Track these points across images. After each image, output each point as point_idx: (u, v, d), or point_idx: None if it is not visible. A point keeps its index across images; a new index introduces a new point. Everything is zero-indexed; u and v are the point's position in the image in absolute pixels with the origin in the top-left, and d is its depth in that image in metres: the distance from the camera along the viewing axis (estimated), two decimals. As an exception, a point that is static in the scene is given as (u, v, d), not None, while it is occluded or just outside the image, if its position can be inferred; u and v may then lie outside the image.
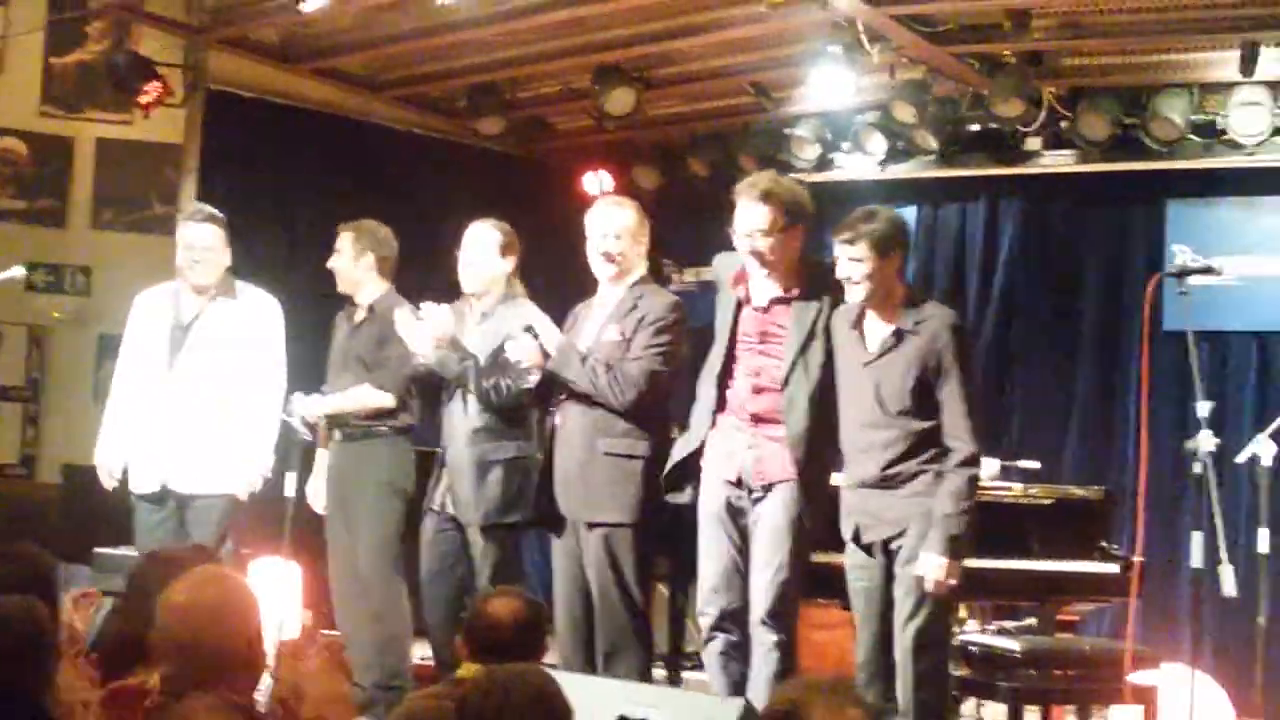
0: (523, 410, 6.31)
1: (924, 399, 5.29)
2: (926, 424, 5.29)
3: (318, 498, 6.96)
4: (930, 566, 5.18)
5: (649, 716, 4.51)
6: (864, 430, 5.40)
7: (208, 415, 6.67)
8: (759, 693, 5.36)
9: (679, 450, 5.75)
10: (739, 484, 5.61)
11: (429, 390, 6.54)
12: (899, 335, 5.33)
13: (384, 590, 6.73)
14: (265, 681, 3.70)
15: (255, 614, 3.48)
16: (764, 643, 5.51)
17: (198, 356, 6.70)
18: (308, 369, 7.11)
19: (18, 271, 7.26)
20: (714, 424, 5.69)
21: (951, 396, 5.26)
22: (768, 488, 5.55)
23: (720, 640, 5.62)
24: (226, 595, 3.44)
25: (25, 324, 9.43)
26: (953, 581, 5.20)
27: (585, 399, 5.86)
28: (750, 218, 5.54)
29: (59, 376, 9.46)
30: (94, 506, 7.83)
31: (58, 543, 8.18)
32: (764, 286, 5.65)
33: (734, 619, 5.60)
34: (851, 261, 5.33)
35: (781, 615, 5.50)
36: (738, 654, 5.62)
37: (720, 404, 5.70)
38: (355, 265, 6.98)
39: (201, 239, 6.77)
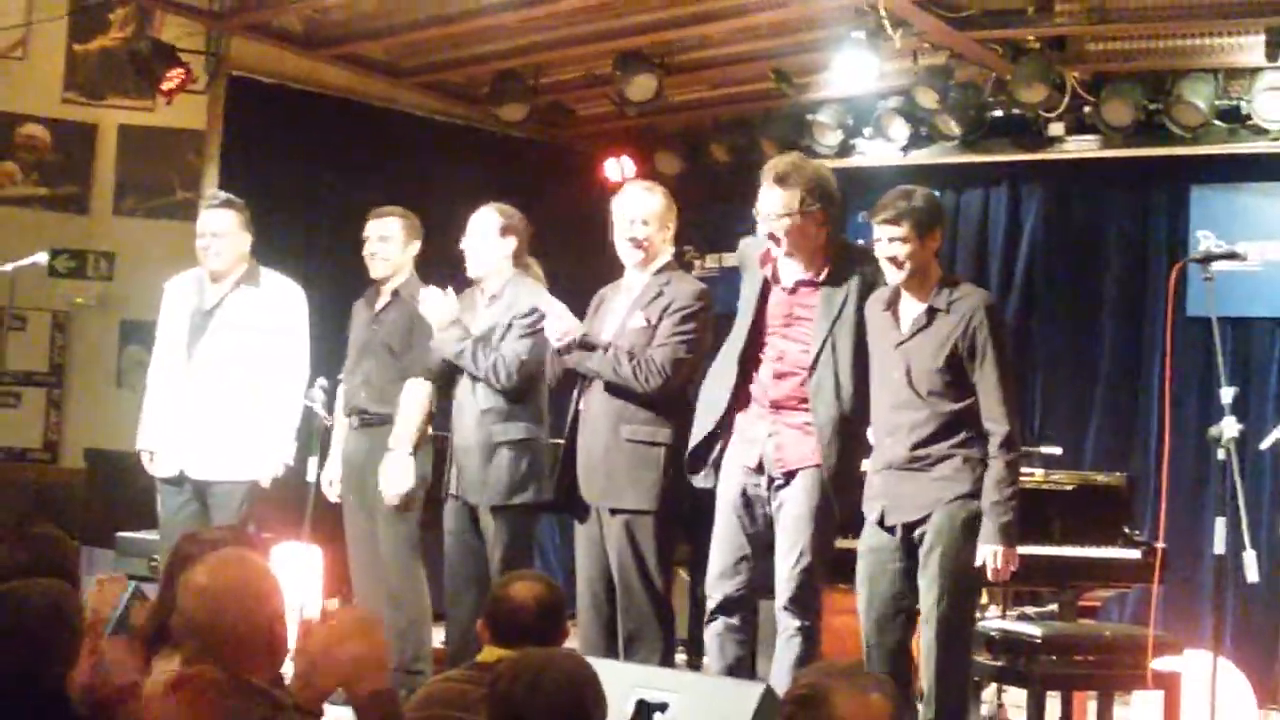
0: (530, 391, 6.30)
1: (955, 380, 5.26)
2: (956, 405, 5.26)
3: (333, 485, 6.98)
4: (989, 556, 5.18)
5: (668, 701, 4.51)
6: (894, 412, 5.37)
7: (228, 402, 6.68)
8: (781, 678, 5.35)
9: (698, 431, 5.73)
10: (759, 470, 5.60)
11: (443, 375, 6.54)
12: (931, 313, 5.30)
13: (404, 575, 6.74)
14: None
15: (276, 596, 3.47)
16: (787, 628, 5.51)
17: (219, 343, 6.71)
18: (327, 355, 7.12)
19: (41, 257, 7.29)
20: (735, 406, 5.67)
21: (986, 379, 5.23)
22: (790, 475, 5.53)
23: (720, 622, 5.63)
24: (247, 577, 3.43)
25: (48, 309, 9.47)
26: (1012, 568, 5.22)
27: (609, 384, 5.86)
28: (767, 201, 5.52)
29: (82, 362, 9.50)
30: (117, 491, 7.88)
31: (81, 527, 8.30)
32: (790, 268, 5.62)
33: (737, 604, 5.61)
34: (893, 242, 5.29)
35: (804, 601, 5.50)
36: (737, 636, 5.63)
37: (744, 388, 5.68)
38: (404, 251, 6.95)
39: (215, 224, 6.76)
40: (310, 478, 6.54)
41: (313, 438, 6.62)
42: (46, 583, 3.61)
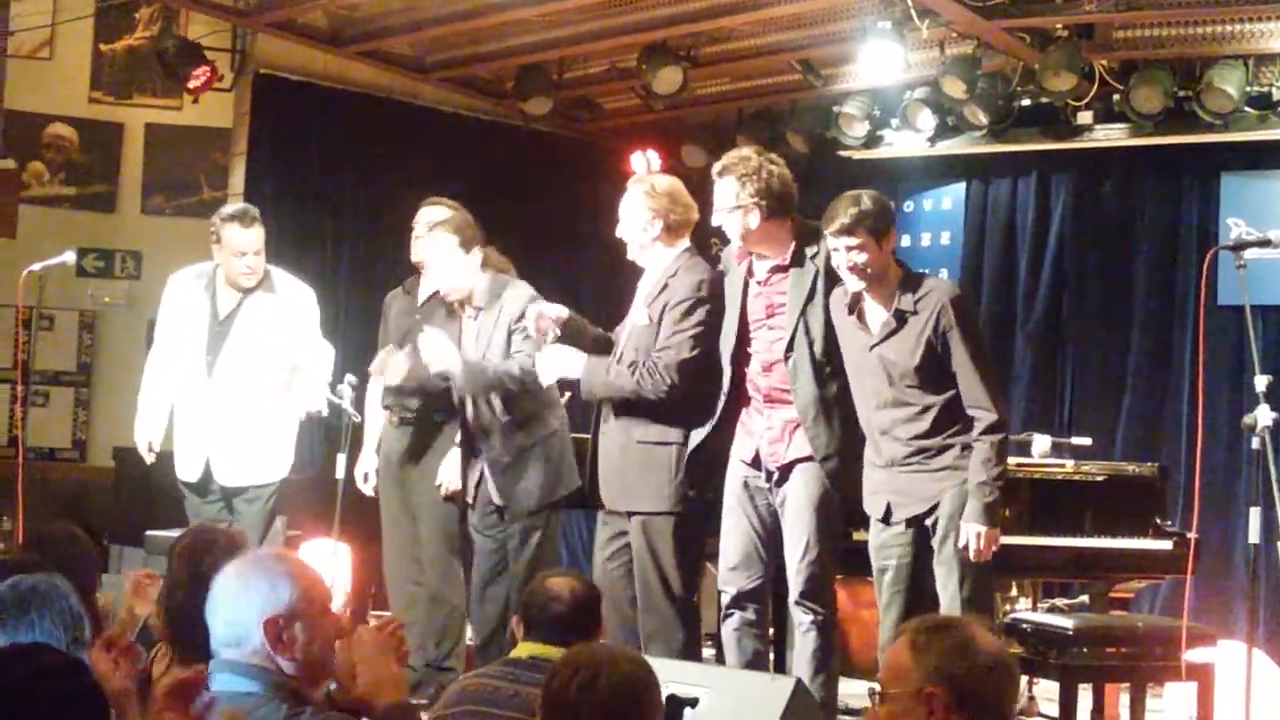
0: (540, 390, 6.28)
1: (937, 374, 5.29)
2: (944, 396, 5.30)
3: (368, 479, 6.98)
4: (971, 536, 5.19)
5: (699, 696, 4.49)
6: (883, 411, 5.40)
7: (251, 407, 6.68)
8: (802, 672, 5.44)
9: (697, 433, 5.75)
10: (756, 464, 5.66)
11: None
12: (900, 317, 5.31)
13: (442, 573, 6.76)
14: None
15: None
16: (801, 623, 5.57)
17: (239, 350, 6.69)
18: (354, 349, 7.12)
19: (69, 257, 7.29)
20: (734, 404, 5.71)
21: (964, 367, 5.26)
22: (787, 469, 5.57)
23: (736, 617, 5.66)
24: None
25: (76, 309, 9.50)
26: (994, 547, 5.22)
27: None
28: (716, 196, 5.59)
29: (110, 361, 9.51)
30: (145, 489, 7.88)
31: (110, 525, 8.33)
32: (761, 261, 5.67)
33: (751, 597, 5.65)
34: (851, 251, 5.29)
35: (815, 594, 5.54)
36: (754, 631, 5.66)
37: (741, 386, 5.71)
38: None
39: (255, 243, 6.69)
40: (339, 475, 6.54)
41: (342, 435, 6.62)
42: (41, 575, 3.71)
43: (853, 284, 5.35)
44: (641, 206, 5.90)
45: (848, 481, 5.55)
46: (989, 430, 5.23)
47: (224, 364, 6.69)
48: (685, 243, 5.96)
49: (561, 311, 5.97)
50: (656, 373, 5.71)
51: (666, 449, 5.76)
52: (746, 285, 5.70)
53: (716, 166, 5.59)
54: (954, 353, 5.26)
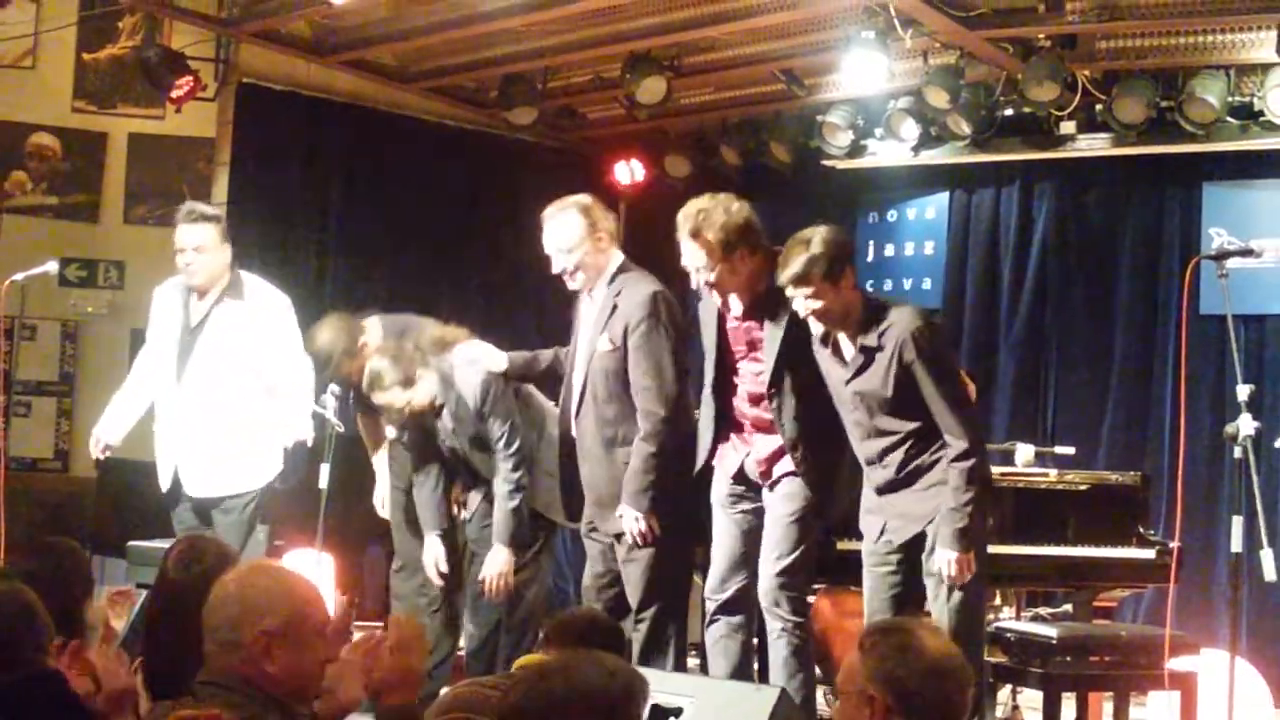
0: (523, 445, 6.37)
1: (912, 399, 5.28)
2: (924, 420, 5.29)
3: (384, 505, 7.00)
4: (944, 562, 5.18)
5: (683, 706, 4.49)
6: (869, 441, 5.42)
7: (221, 418, 6.64)
8: (777, 676, 5.52)
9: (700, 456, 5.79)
10: (740, 478, 5.69)
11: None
12: (867, 352, 5.30)
13: (446, 581, 6.74)
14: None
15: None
16: (772, 629, 5.59)
17: (207, 361, 6.65)
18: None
19: (51, 266, 7.26)
20: (722, 437, 5.73)
21: (933, 397, 5.24)
22: (773, 482, 5.60)
23: (722, 624, 5.67)
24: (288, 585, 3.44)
25: (59, 319, 9.47)
26: (968, 575, 5.20)
27: (595, 412, 5.86)
28: (688, 255, 5.48)
29: (93, 371, 9.48)
30: (128, 500, 7.87)
31: (92, 536, 8.30)
32: (734, 299, 5.59)
33: (739, 605, 5.66)
34: (809, 300, 5.26)
35: (783, 602, 5.54)
36: (740, 637, 5.68)
37: (724, 415, 5.71)
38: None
39: (193, 239, 6.62)
40: (323, 485, 6.52)
41: (324, 445, 6.60)
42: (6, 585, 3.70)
43: (816, 328, 5.35)
44: (588, 224, 5.86)
45: (831, 500, 5.60)
46: (960, 458, 5.20)
47: (192, 371, 6.65)
48: (618, 254, 5.96)
49: (499, 364, 6.17)
50: (650, 421, 5.67)
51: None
52: (723, 317, 5.67)
53: (683, 230, 5.45)
54: (921, 384, 5.23)
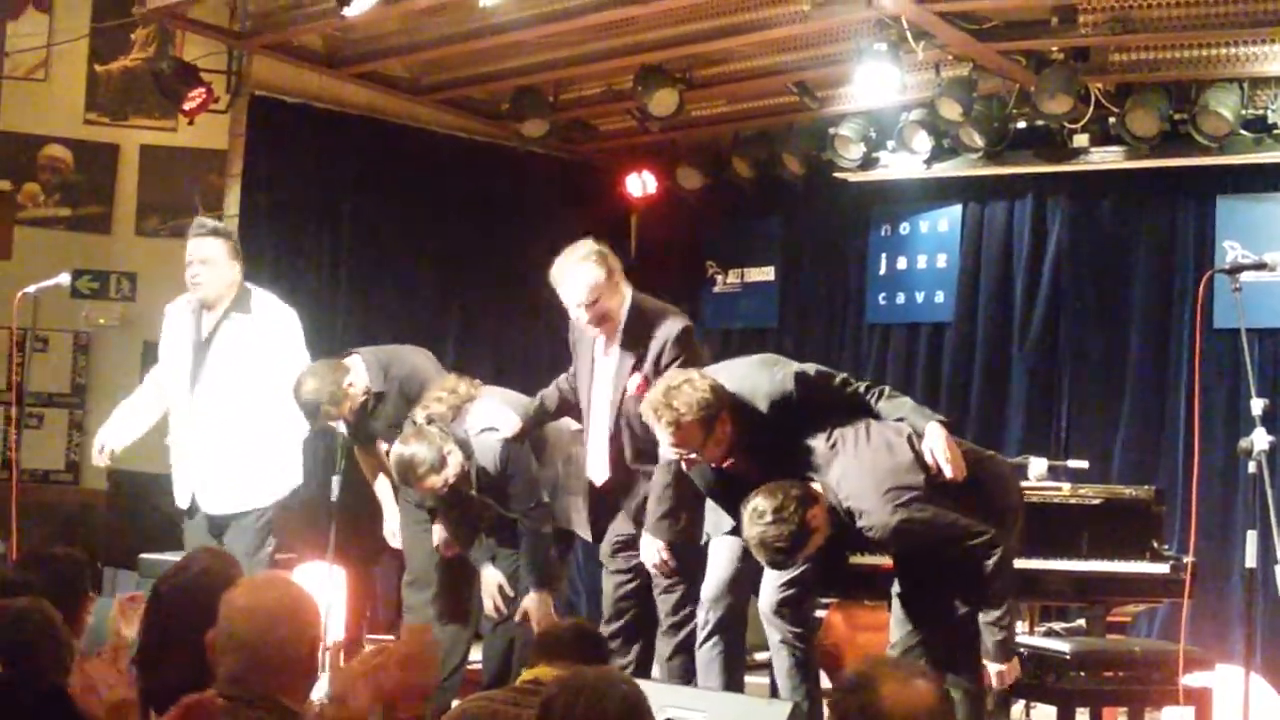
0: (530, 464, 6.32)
1: None
2: None
3: (395, 537, 6.99)
4: (992, 674, 5.17)
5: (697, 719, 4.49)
6: None
7: (233, 433, 6.67)
8: (781, 687, 5.55)
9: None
10: None
11: None
12: None
13: (458, 593, 6.72)
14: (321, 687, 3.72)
15: (316, 622, 3.48)
16: (773, 640, 5.60)
17: (216, 374, 6.68)
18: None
19: (64, 278, 7.29)
20: None
21: None
22: None
23: (717, 639, 5.66)
24: (289, 600, 3.44)
25: (71, 330, 9.49)
26: (1015, 675, 5.22)
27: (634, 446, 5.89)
28: (671, 441, 5.29)
29: (104, 383, 9.50)
30: (139, 512, 7.87)
31: (104, 548, 8.30)
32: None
33: (731, 620, 5.66)
34: (685, 452, 5.27)
35: (787, 615, 5.54)
36: (735, 652, 5.68)
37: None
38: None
39: (202, 252, 6.67)
40: (334, 497, 6.52)
41: (336, 455, 6.60)
42: (26, 601, 3.71)
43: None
44: (608, 268, 5.85)
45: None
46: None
47: (204, 384, 6.69)
48: (628, 288, 5.97)
49: (512, 428, 6.12)
50: None
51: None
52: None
53: (661, 422, 5.21)
54: None
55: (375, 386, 6.66)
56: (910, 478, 5.08)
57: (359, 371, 6.63)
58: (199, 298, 6.73)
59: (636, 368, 5.83)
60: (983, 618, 5.16)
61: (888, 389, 5.36)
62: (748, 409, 5.26)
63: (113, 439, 6.79)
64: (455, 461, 6.13)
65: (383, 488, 7.05)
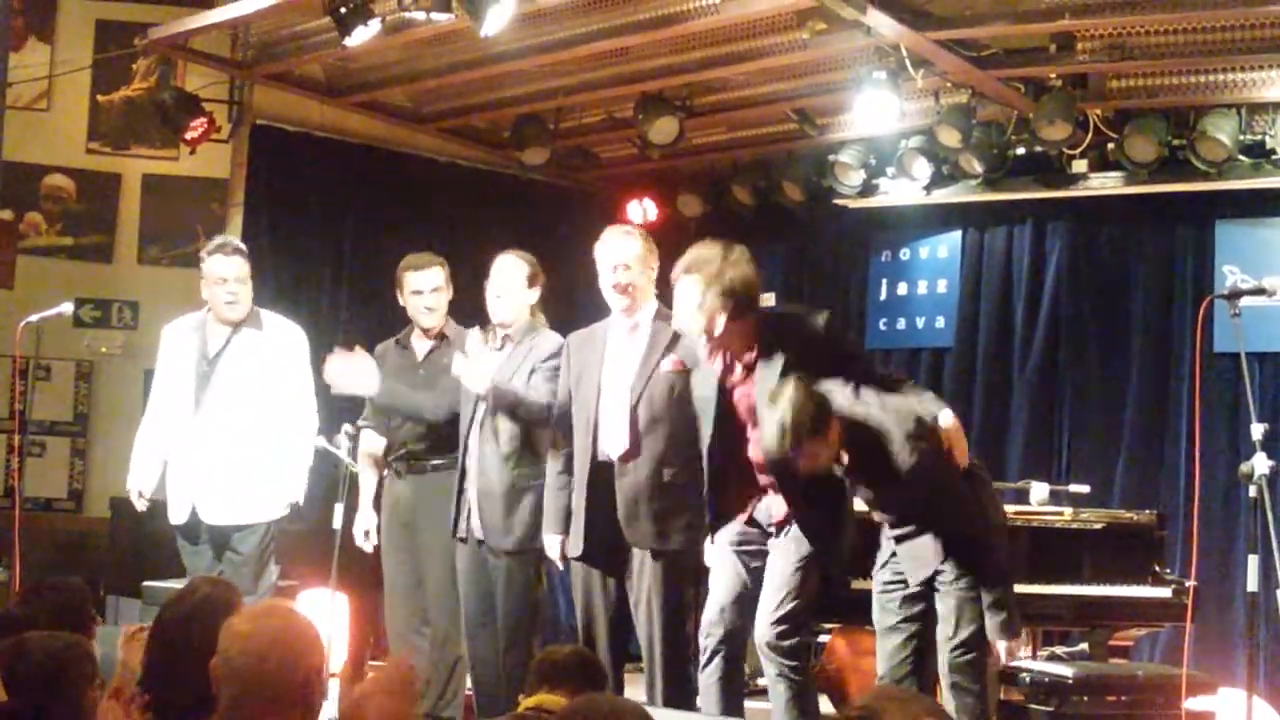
0: (542, 435, 6.35)
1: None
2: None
3: (369, 536, 6.97)
4: (1001, 650, 5.27)
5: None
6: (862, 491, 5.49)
7: (238, 446, 6.70)
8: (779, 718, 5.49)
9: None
10: (750, 521, 5.66)
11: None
12: None
13: (451, 617, 6.72)
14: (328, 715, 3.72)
15: (318, 650, 3.48)
16: (769, 673, 5.56)
17: (225, 388, 6.72)
18: (351, 400, 7.11)
19: (66, 307, 7.31)
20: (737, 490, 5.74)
21: None
22: (780, 526, 5.57)
23: (719, 663, 5.62)
24: (289, 629, 3.45)
25: (73, 359, 9.50)
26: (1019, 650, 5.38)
27: (656, 427, 5.93)
28: (677, 296, 5.51)
29: (106, 411, 9.51)
30: (142, 540, 7.87)
31: (107, 576, 8.30)
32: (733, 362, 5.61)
33: (731, 645, 5.62)
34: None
35: (780, 648, 5.49)
36: (737, 674, 5.67)
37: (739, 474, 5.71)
38: (447, 297, 7.07)
39: (236, 270, 6.77)
40: (337, 525, 6.52)
41: (340, 485, 6.61)
42: (56, 635, 3.73)
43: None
44: (649, 254, 6.10)
45: (836, 552, 5.58)
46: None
47: (211, 400, 6.72)
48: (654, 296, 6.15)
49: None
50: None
51: (693, 487, 5.83)
52: (724, 384, 5.65)
53: (678, 267, 5.50)
54: None
55: (449, 331, 6.99)
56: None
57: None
58: (231, 318, 6.78)
59: (669, 349, 5.94)
60: (984, 599, 5.20)
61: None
62: (778, 321, 5.54)
63: (143, 483, 6.83)
64: (529, 299, 6.59)
65: (366, 482, 7.04)
